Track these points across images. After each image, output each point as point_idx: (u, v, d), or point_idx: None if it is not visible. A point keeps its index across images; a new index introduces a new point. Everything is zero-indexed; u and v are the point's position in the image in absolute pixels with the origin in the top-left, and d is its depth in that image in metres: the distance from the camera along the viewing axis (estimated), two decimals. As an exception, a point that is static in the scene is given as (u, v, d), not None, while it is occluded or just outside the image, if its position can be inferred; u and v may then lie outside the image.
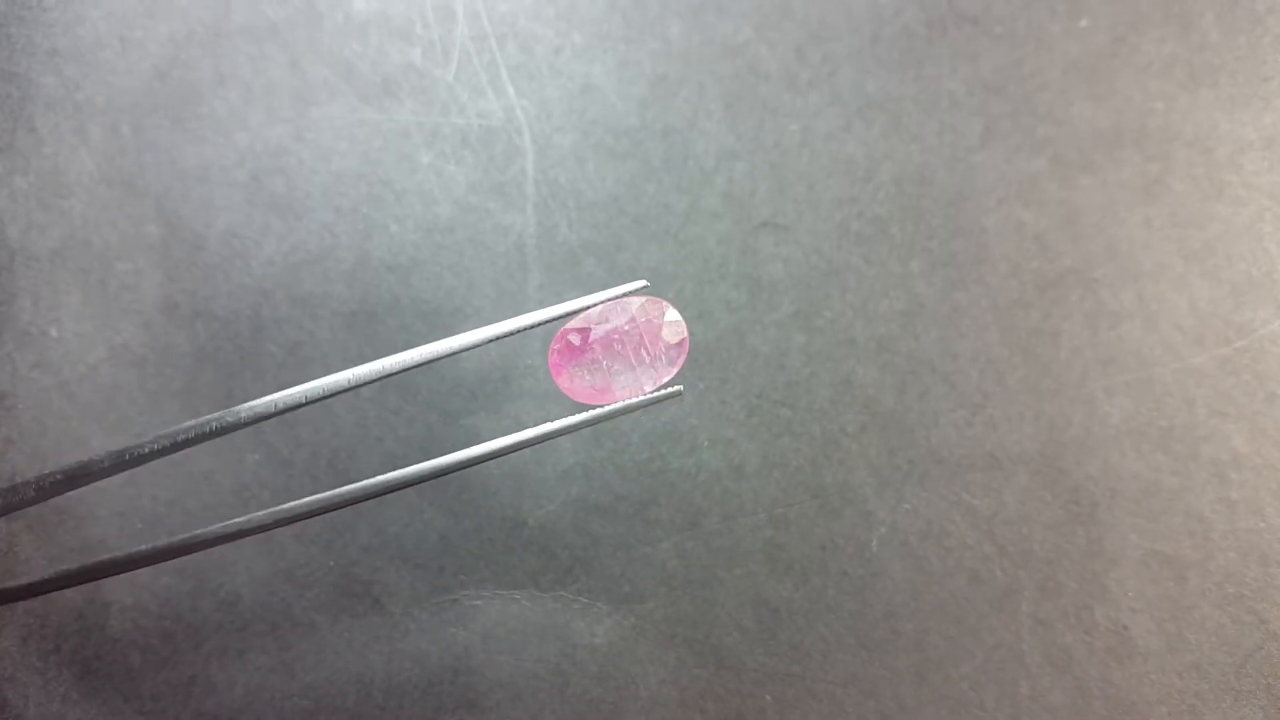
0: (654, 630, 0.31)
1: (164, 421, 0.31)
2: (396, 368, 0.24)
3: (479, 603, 0.31)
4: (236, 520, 0.23)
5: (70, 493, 0.23)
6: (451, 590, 0.31)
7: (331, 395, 0.24)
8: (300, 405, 0.24)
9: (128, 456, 0.23)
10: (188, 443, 0.23)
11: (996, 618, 0.31)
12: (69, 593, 0.30)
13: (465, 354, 0.25)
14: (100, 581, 0.30)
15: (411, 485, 0.24)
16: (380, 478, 0.24)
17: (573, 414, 0.25)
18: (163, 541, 0.23)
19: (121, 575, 0.28)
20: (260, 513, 0.23)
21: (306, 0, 0.33)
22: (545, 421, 0.24)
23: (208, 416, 0.23)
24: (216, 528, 0.23)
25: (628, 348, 0.25)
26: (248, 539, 0.24)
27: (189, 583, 0.31)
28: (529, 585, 0.31)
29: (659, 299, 0.25)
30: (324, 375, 0.32)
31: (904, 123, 0.33)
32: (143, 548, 0.23)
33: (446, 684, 0.31)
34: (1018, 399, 0.32)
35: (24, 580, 0.23)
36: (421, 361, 0.24)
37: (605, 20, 0.33)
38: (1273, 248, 0.32)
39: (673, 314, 0.25)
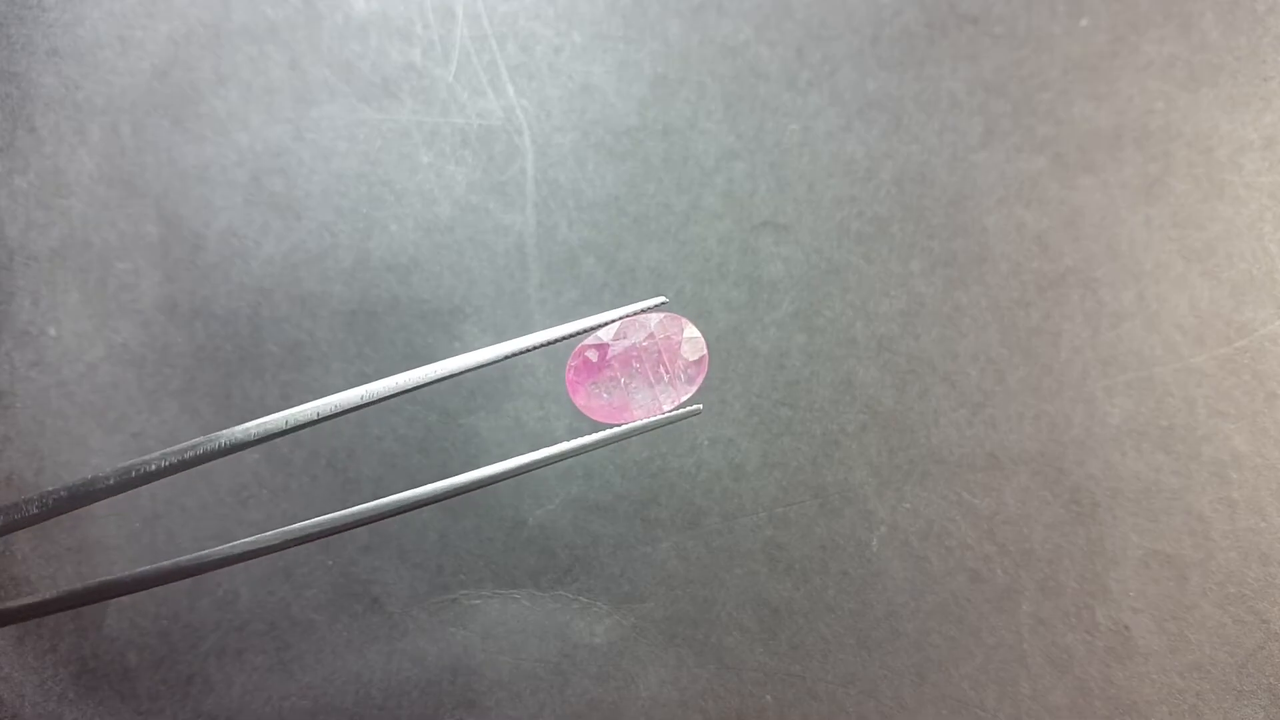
0: (654, 630, 0.31)
1: (162, 421, 0.31)
2: (416, 383, 0.23)
3: (478, 602, 0.31)
4: (245, 541, 0.23)
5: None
6: (450, 590, 0.31)
7: (346, 412, 0.23)
8: (312, 423, 0.23)
9: (134, 474, 0.22)
10: (195, 461, 0.23)
11: (997, 618, 0.31)
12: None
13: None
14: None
15: (437, 501, 0.23)
16: (405, 495, 0.23)
17: (592, 431, 0.24)
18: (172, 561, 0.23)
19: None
20: (271, 532, 0.23)
21: (306, 0, 0.33)
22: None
23: (216, 434, 0.23)
24: (226, 549, 0.23)
25: (646, 365, 0.24)
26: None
27: (186, 581, 0.31)
28: (528, 585, 0.31)
29: (678, 316, 0.24)
30: (323, 375, 0.32)
31: (904, 123, 0.33)
32: (147, 568, 0.23)
33: (445, 683, 0.31)
34: (1018, 399, 0.32)
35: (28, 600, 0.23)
36: (442, 376, 0.23)
37: (605, 20, 0.33)
38: (1273, 247, 0.32)
39: (692, 331, 0.24)
